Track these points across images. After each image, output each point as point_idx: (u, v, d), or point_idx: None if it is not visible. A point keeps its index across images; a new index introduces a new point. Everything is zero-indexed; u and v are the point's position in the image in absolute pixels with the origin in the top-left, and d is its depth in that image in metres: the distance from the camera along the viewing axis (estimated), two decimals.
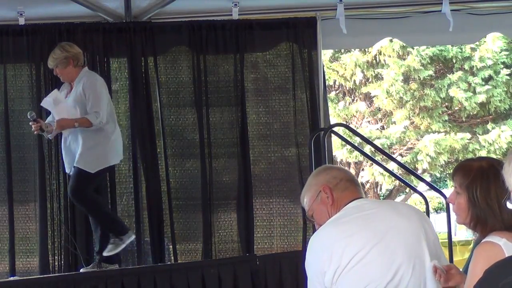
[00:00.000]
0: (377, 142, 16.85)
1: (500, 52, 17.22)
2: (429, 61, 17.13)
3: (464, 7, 6.96)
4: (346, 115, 18.10)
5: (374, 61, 17.52)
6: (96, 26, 6.80)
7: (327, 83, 17.45)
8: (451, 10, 6.75)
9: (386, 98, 17.36)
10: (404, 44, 15.61)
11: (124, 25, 6.83)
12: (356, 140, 14.72)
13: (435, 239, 3.55)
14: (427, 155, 17.34)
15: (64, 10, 6.80)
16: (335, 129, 7.08)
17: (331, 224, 3.52)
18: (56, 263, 6.61)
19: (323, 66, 7.18)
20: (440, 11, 6.80)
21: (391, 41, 16.23)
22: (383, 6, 7.04)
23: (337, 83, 18.10)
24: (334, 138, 7.23)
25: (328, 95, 17.59)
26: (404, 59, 17.24)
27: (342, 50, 16.99)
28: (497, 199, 3.13)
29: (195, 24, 6.85)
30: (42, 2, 6.74)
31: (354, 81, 17.78)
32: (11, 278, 6.37)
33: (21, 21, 6.74)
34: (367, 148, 14.67)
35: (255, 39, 6.89)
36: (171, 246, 6.77)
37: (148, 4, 6.90)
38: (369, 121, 18.59)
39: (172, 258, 6.76)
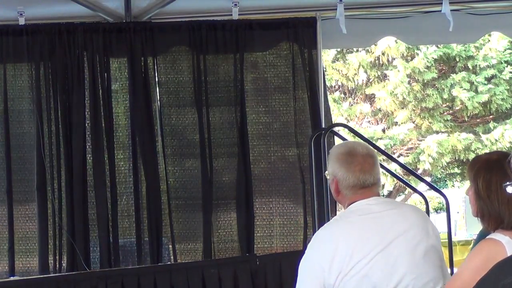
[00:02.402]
0: (380, 143, 16.86)
1: (504, 51, 17.21)
2: (433, 63, 17.12)
3: (464, 7, 6.97)
4: (349, 115, 18.10)
5: (377, 61, 17.51)
6: (96, 26, 6.80)
7: (329, 83, 17.55)
8: (451, 10, 6.75)
9: (390, 99, 17.34)
10: (410, 46, 15.64)
11: (124, 25, 6.83)
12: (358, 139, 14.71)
13: (437, 245, 3.54)
14: (429, 155, 17.31)
15: (64, 10, 6.80)
16: (338, 129, 7.09)
17: (337, 224, 3.50)
18: (56, 263, 6.61)
19: (324, 66, 7.18)
20: (440, 11, 6.80)
21: (396, 42, 16.23)
22: (383, 6, 7.04)
23: (338, 83, 18.09)
24: (338, 138, 7.22)
25: (332, 96, 17.67)
26: (408, 61, 17.24)
27: (347, 50, 17.00)
28: (496, 192, 3.11)
29: (195, 24, 6.85)
30: (42, 2, 6.74)
31: (357, 81, 17.78)
32: (11, 278, 6.36)
33: (21, 21, 6.73)
34: None
35: (255, 39, 6.89)
36: (170, 246, 6.77)
37: (148, 4, 6.90)
38: (369, 121, 18.58)
39: (172, 258, 6.76)
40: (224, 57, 6.90)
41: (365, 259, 3.33)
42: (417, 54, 17.10)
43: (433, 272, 3.44)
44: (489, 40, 17.08)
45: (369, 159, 3.60)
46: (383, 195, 20.66)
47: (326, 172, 3.68)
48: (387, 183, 18.57)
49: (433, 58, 17.05)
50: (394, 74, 17.20)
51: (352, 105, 18.25)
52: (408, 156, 18.00)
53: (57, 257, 6.60)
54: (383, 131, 18.23)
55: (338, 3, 6.77)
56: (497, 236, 3.07)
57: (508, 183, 2.55)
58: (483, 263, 2.92)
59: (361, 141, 6.27)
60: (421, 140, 17.91)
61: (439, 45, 16.54)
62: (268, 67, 6.96)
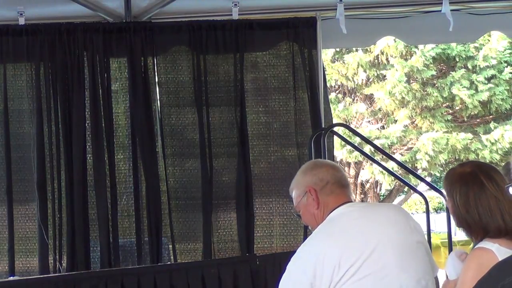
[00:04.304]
0: (376, 142, 16.85)
1: (504, 51, 17.20)
2: (431, 62, 17.10)
3: (464, 7, 6.97)
4: (346, 116, 18.09)
5: (376, 61, 17.50)
6: (96, 26, 6.80)
7: (328, 84, 17.53)
8: (450, 10, 6.75)
9: (389, 98, 17.32)
10: (408, 45, 15.63)
11: (124, 25, 6.83)
12: (356, 140, 14.71)
13: (422, 240, 3.53)
14: (426, 153, 17.30)
15: (64, 10, 6.80)
16: (336, 129, 7.09)
17: (320, 238, 3.46)
18: (56, 263, 6.61)
19: (324, 66, 7.18)
20: (440, 11, 6.80)
21: (394, 41, 16.22)
22: (383, 6, 7.04)
23: (338, 83, 18.07)
24: (335, 138, 7.23)
25: (329, 96, 17.64)
26: (407, 59, 17.22)
27: (345, 50, 16.98)
28: (475, 205, 3.12)
29: (195, 24, 6.85)
30: (42, 2, 6.74)
31: (356, 81, 17.76)
32: (11, 278, 6.36)
33: (21, 21, 6.74)
34: (367, 148, 14.66)
35: (255, 39, 6.89)
36: (170, 246, 6.77)
37: (148, 4, 6.90)
38: (369, 121, 18.57)
39: (172, 258, 6.76)
40: (224, 57, 6.90)
41: (353, 268, 3.30)
42: (415, 53, 17.08)
43: (423, 269, 3.43)
44: (488, 40, 17.07)
45: (335, 163, 3.66)
46: (383, 195, 20.67)
47: (294, 210, 3.66)
48: (385, 182, 18.57)
49: (431, 56, 17.04)
50: (391, 73, 17.18)
51: (350, 105, 18.23)
52: (404, 155, 17.99)
53: (57, 257, 6.60)
54: (380, 130, 18.21)
55: (338, 3, 6.78)
56: (487, 244, 3.08)
57: (509, 184, 2.56)
58: (477, 273, 2.92)
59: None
60: (416, 139, 17.90)
61: (438, 44, 16.50)
62: (268, 67, 6.96)
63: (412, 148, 18.06)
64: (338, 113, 17.91)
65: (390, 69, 17.29)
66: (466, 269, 3.06)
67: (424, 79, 17.25)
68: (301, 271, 3.38)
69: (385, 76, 17.61)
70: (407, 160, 17.48)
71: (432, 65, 17.16)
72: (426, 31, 7.21)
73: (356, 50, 17.10)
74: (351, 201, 3.56)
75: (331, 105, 17.44)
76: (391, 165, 14.36)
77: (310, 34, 6.86)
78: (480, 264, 2.98)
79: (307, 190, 3.54)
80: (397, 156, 17.41)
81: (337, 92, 18.33)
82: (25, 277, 6.41)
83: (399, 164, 8.89)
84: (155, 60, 6.87)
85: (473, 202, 3.12)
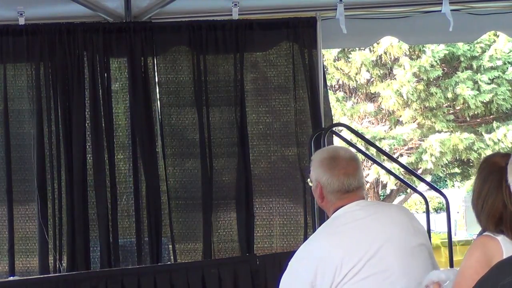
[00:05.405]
0: (383, 143, 16.84)
1: (509, 52, 17.20)
2: (438, 62, 17.09)
3: (464, 7, 6.98)
4: (352, 114, 18.08)
5: (379, 60, 17.48)
6: (96, 26, 6.80)
7: (332, 82, 17.53)
8: (451, 10, 6.75)
9: (395, 98, 17.30)
10: (409, 45, 15.62)
11: (124, 25, 6.83)
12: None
13: (425, 242, 3.53)
14: (432, 155, 17.27)
15: (64, 10, 6.80)
16: (338, 129, 7.10)
17: (323, 237, 3.45)
18: (56, 263, 6.61)
19: (324, 66, 7.19)
20: (440, 11, 6.81)
21: (399, 41, 16.21)
22: (383, 6, 7.04)
23: (340, 81, 18.06)
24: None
25: (335, 95, 17.66)
26: (413, 59, 17.20)
27: (348, 49, 16.97)
28: (484, 198, 3.09)
29: (195, 24, 6.85)
30: (42, 2, 6.74)
31: (359, 80, 17.74)
32: (11, 278, 6.37)
33: (21, 21, 6.74)
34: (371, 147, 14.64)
35: (255, 39, 6.89)
36: (170, 246, 6.77)
37: (148, 4, 6.90)
38: (369, 121, 18.56)
39: (172, 258, 6.76)
40: (224, 57, 6.90)
41: (356, 268, 3.29)
42: (424, 52, 17.04)
43: (425, 271, 3.43)
44: (494, 41, 17.05)
45: (352, 162, 3.58)
46: (384, 195, 20.67)
47: (309, 179, 3.65)
48: (390, 182, 18.55)
49: (439, 57, 17.02)
50: (403, 73, 17.14)
51: (355, 104, 18.22)
52: (410, 156, 17.97)
53: (57, 257, 6.61)
54: (386, 131, 18.20)
55: (338, 3, 6.78)
56: (493, 233, 3.06)
57: None
58: (482, 257, 2.92)
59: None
60: (422, 140, 17.88)
61: (447, 44, 16.46)
62: (268, 67, 6.96)
63: (413, 148, 18.05)
64: (345, 111, 17.90)
65: (397, 68, 17.27)
66: (471, 253, 3.02)
67: (430, 79, 17.23)
68: (303, 270, 3.39)
69: (387, 75, 17.60)
70: (413, 161, 17.47)
71: (438, 66, 17.15)
72: (426, 31, 7.21)
73: (360, 49, 17.08)
74: (358, 200, 3.53)
75: (338, 103, 17.51)
76: (393, 165, 14.36)
77: (310, 34, 6.87)
78: (485, 250, 2.96)
79: (318, 183, 3.55)
80: (400, 157, 17.41)
81: (337, 90, 18.32)
82: (25, 277, 6.41)
83: (400, 164, 8.88)
84: (155, 60, 6.87)
85: (484, 194, 3.08)
